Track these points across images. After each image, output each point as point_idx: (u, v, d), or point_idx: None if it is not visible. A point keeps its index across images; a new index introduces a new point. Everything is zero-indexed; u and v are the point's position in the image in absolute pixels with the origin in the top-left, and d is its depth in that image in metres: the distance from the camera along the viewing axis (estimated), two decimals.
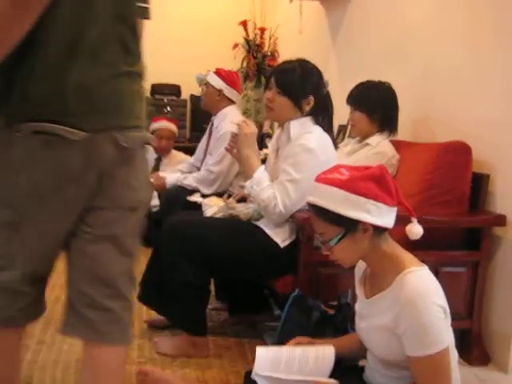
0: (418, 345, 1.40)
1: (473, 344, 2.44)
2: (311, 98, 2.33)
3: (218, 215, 2.47)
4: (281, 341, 1.78)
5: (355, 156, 2.79)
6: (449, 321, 1.48)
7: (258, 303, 2.78)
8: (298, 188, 2.22)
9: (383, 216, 1.47)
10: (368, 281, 1.62)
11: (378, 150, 2.73)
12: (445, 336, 1.42)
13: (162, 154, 4.45)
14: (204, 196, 2.90)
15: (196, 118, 5.44)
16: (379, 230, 1.50)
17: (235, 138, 2.37)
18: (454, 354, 1.52)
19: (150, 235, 4.12)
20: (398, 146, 2.81)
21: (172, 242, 2.31)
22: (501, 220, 2.38)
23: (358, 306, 1.64)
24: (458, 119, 2.73)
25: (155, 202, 4.21)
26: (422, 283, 1.45)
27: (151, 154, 4.55)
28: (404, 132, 2.96)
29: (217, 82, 3.52)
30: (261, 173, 2.31)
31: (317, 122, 2.34)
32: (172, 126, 4.47)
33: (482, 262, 2.42)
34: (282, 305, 2.64)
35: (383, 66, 3.40)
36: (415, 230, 1.53)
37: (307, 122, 2.34)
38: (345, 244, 1.50)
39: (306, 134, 2.27)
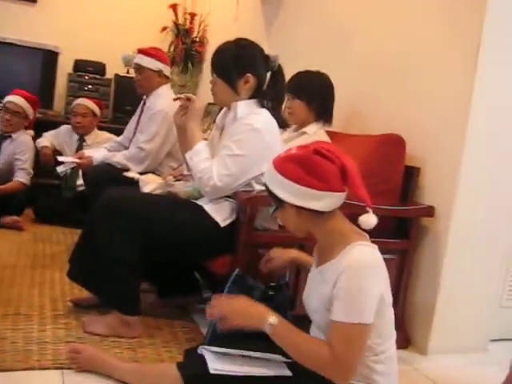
0: (343, 310, 1.47)
1: (396, 329, 2.54)
2: (249, 76, 2.32)
3: (156, 192, 2.41)
4: None
5: (292, 144, 2.80)
6: (387, 310, 1.56)
7: (188, 286, 2.74)
8: (237, 163, 2.21)
9: (309, 199, 1.53)
10: (317, 251, 1.71)
11: (314, 138, 2.75)
12: (369, 314, 1.47)
13: (78, 131, 4.34)
14: (142, 173, 2.82)
15: (119, 99, 5.29)
16: (316, 212, 1.55)
17: (185, 107, 2.33)
18: (389, 344, 1.61)
19: (78, 216, 4.09)
20: (333, 136, 2.88)
21: (106, 217, 2.22)
22: (430, 211, 2.49)
23: (308, 276, 1.73)
24: (390, 114, 2.84)
25: (80, 181, 4.08)
26: (368, 255, 1.52)
27: (73, 135, 4.40)
28: (337, 123, 3.03)
29: (154, 64, 3.43)
30: (202, 145, 2.29)
31: (262, 105, 2.34)
32: (89, 103, 4.35)
33: (410, 250, 2.54)
34: (215, 287, 2.64)
35: (318, 57, 3.47)
36: (370, 220, 1.55)
37: (253, 104, 2.34)
38: (280, 215, 1.65)
39: (254, 114, 2.27)
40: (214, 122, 4.48)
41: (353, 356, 1.48)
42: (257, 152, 2.22)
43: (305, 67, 2.91)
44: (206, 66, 5.43)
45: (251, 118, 2.26)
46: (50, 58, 5.20)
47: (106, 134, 4.38)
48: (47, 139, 4.39)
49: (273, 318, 1.55)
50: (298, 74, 2.88)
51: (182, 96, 2.39)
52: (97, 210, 2.30)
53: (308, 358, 1.52)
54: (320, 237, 1.64)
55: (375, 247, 1.57)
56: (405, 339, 2.56)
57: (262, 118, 2.27)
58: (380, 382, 1.59)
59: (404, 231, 2.54)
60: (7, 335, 2.17)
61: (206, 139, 2.44)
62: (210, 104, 4.83)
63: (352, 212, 1.64)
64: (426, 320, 2.55)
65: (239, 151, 2.21)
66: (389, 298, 1.58)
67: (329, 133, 2.89)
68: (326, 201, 1.54)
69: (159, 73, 3.45)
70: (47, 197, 4.32)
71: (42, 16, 5.30)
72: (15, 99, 4.16)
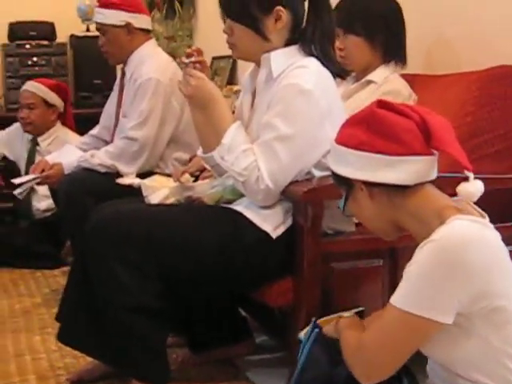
0: (403, 291, 1.54)
1: None
2: (280, 10, 2.31)
3: (170, 201, 2.44)
4: None
5: (354, 100, 2.82)
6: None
7: (231, 330, 2.77)
8: (290, 148, 2.23)
9: (380, 168, 1.59)
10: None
11: (386, 88, 2.78)
12: (442, 309, 1.50)
13: (26, 130, 4.39)
14: (142, 176, 2.84)
15: (82, 70, 5.36)
16: (394, 187, 1.60)
17: (189, 69, 2.34)
18: None
19: (44, 249, 4.14)
20: (411, 81, 2.88)
21: (101, 247, 2.25)
22: None
23: None
24: (494, 38, 2.82)
25: (44, 203, 4.15)
26: (469, 230, 1.52)
27: (25, 136, 4.44)
28: (413, 62, 3.02)
29: (117, 17, 3.44)
30: (233, 133, 2.29)
31: (307, 52, 2.34)
32: (37, 88, 4.37)
33: None
34: (272, 326, 2.66)
35: None
36: (472, 188, 1.58)
37: (293, 51, 2.35)
38: (352, 207, 1.73)
39: (298, 68, 2.27)
40: (229, 84, 4.57)
41: (382, 351, 1.55)
42: (313, 125, 2.24)
43: None
44: (201, 4, 5.44)
45: (295, 74, 2.26)
46: None
47: (68, 133, 4.43)
48: None
49: None
50: None
51: (192, 50, 2.40)
52: (86, 239, 2.34)
53: None
54: (410, 225, 1.66)
55: (490, 226, 1.58)
56: None
57: (312, 72, 2.28)
58: None
59: None
60: None
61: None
62: (215, 59, 4.86)
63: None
64: None
65: (289, 129, 2.22)
66: None
67: (404, 76, 2.89)
68: (404, 169, 1.59)
69: (127, 27, 3.46)
70: None
71: None
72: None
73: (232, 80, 4.70)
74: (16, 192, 3.57)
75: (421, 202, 1.62)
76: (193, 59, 2.37)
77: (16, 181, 3.63)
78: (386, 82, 2.81)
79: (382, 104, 1.62)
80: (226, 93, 4.52)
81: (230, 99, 4.35)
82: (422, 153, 1.58)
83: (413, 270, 1.52)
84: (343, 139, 1.66)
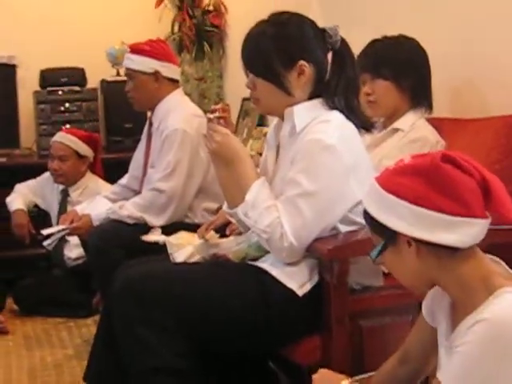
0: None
1: None
2: (303, 65, 2.33)
3: (195, 258, 2.45)
4: None
5: (381, 149, 2.81)
6: None
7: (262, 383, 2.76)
8: (313, 204, 2.22)
9: (438, 228, 1.53)
10: (450, 317, 1.67)
11: (413, 135, 2.76)
12: None
13: (57, 181, 4.42)
14: (167, 231, 2.84)
15: (112, 115, 5.40)
16: (445, 248, 1.54)
17: (213, 124, 2.35)
18: None
19: (75, 298, 4.18)
20: (438, 125, 2.86)
21: (128, 308, 2.26)
22: None
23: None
24: None
25: (75, 252, 4.18)
26: None
27: (56, 186, 4.48)
28: (441, 106, 3.00)
29: (146, 64, 3.51)
30: (257, 190, 2.29)
31: (331, 105, 2.34)
32: (68, 140, 4.41)
33: None
34: (301, 383, 2.64)
35: (401, 14, 3.45)
36: None
37: (317, 106, 2.35)
38: (390, 259, 1.65)
39: (321, 123, 2.28)
40: (259, 125, 4.58)
41: None
42: (337, 181, 2.24)
43: (375, 35, 2.91)
44: (230, 45, 5.48)
45: (318, 128, 2.27)
46: (3, 74, 5.32)
47: (99, 183, 4.47)
48: (21, 196, 4.48)
49: None
50: (373, 43, 2.89)
51: (218, 107, 2.42)
52: (113, 298, 2.35)
53: None
54: (450, 288, 1.62)
55: None
56: None
57: (335, 126, 2.28)
58: None
59: None
60: None
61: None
62: (245, 100, 4.87)
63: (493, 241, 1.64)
64: None
65: (312, 185, 2.22)
66: None
67: (432, 121, 2.88)
68: (464, 231, 1.54)
69: (156, 75, 3.51)
70: (30, 275, 4.49)
71: None
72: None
73: (262, 121, 4.70)
74: (45, 243, 3.62)
75: (469, 267, 1.57)
76: (217, 114, 2.39)
77: (45, 231, 3.67)
78: (413, 129, 2.80)
79: (446, 158, 1.54)
80: (256, 134, 4.56)
81: (259, 141, 4.37)
82: (481, 215, 1.54)
83: (465, 352, 1.47)
84: (394, 188, 1.57)
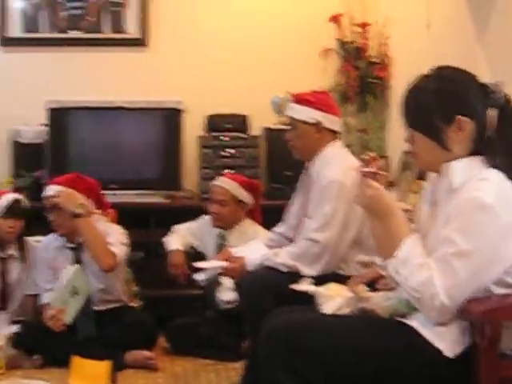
0: None
1: None
2: (463, 120, 2.32)
3: (344, 311, 2.45)
4: None
5: None
6: None
7: None
8: (468, 264, 2.19)
9: None
10: None
11: None
12: None
13: (215, 224, 4.53)
14: (318, 282, 2.86)
15: (274, 163, 5.50)
16: None
17: (366, 179, 2.36)
18: None
19: (224, 341, 4.26)
20: None
21: (271, 355, 2.31)
22: None
23: None
24: None
25: (228, 295, 4.25)
26: None
27: (213, 230, 4.60)
28: None
29: (308, 114, 3.58)
30: (409, 246, 2.28)
31: (490, 164, 2.32)
32: (229, 185, 4.54)
33: None
34: None
35: None
36: None
37: (475, 163, 2.33)
38: None
39: (479, 181, 2.26)
40: (419, 179, 4.53)
41: None
42: (493, 241, 2.21)
43: None
44: (393, 96, 5.47)
45: (476, 187, 2.25)
46: (170, 118, 5.55)
47: (254, 227, 4.56)
48: (179, 238, 4.63)
49: None
50: None
51: (368, 156, 2.43)
52: (260, 344, 2.40)
53: None
54: None
55: None
56: None
57: (493, 185, 2.25)
58: None
59: None
60: None
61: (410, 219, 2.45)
62: (406, 153, 4.84)
63: None
64: None
65: (467, 245, 2.20)
66: None
67: None
68: None
69: (318, 126, 3.57)
70: (184, 315, 4.60)
71: (153, 62, 5.75)
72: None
73: (422, 175, 4.65)
74: (197, 277, 3.69)
75: None
76: (370, 169, 2.40)
77: (198, 264, 3.78)
78: None
79: None
80: (415, 188, 4.50)
81: (418, 195, 4.32)
82: None
83: None
84: None
